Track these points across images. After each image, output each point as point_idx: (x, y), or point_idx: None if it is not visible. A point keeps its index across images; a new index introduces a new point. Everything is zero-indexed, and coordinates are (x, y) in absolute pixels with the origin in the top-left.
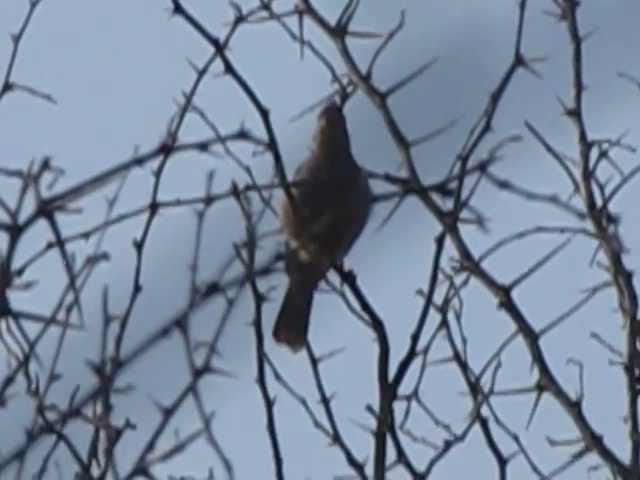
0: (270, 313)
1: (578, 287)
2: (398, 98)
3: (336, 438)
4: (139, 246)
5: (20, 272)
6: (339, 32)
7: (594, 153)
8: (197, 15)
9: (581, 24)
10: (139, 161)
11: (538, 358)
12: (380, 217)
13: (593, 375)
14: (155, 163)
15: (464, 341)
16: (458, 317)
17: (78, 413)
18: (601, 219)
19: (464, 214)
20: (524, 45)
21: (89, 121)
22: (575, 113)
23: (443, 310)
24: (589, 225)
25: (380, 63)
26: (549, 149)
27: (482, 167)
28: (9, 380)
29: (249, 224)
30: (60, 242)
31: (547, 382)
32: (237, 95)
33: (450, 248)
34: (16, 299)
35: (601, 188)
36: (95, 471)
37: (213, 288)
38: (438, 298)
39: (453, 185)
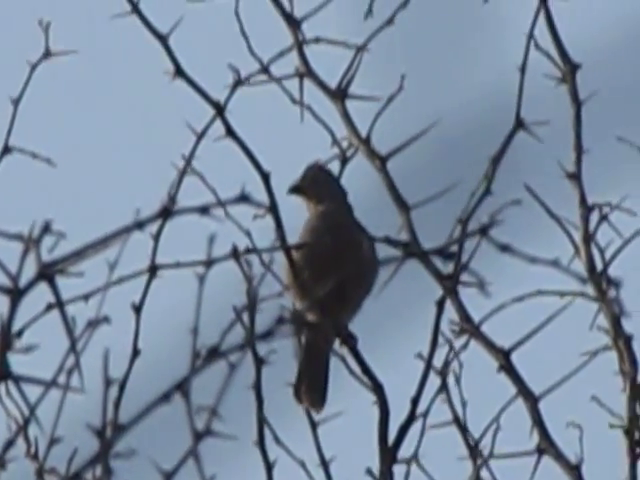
0: (270, 376)
1: (578, 350)
2: (398, 161)
3: None
4: (138, 309)
5: (20, 333)
6: (339, 95)
7: (594, 216)
8: (197, 78)
9: (581, 87)
10: (140, 225)
11: (538, 421)
12: (380, 280)
13: (593, 438)
14: (155, 226)
15: (464, 404)
16: (458, 380)
17: (78, 477)
18: (601, 283)
19: (464, 277)
20: (524, 108)
21: (89, 185)
22: (575, 176)
23: (443, 373)
24: (589, 289)
25: (380, 126)
26: (550, 213)
27: (483, 230)
28: (9, 443)
29: (250, 287)
30: (60, 305)
31: (547, 445)
32: (237, 158)
33: (450, 311)
34: (17, 362)
35: (601, 252)
36: None
37: (214, 352)
38: (438, 361)
39: (453, 249)
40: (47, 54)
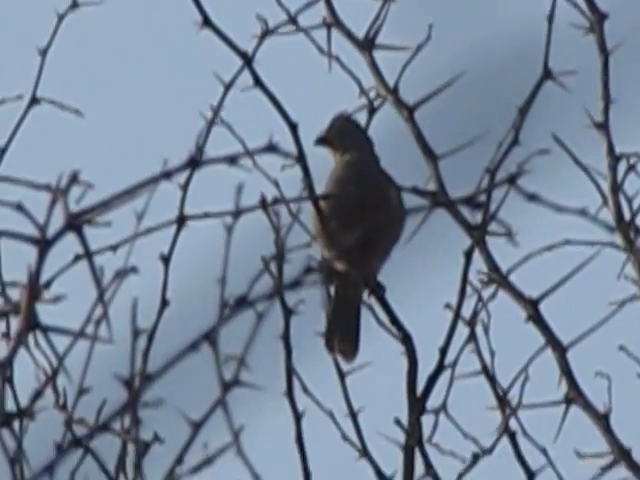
0: (298, 326)
1: (606, 300)
2: (426, 111)
3: (364, 452)
4: (166, 260)
5: (48, 285)
6: (367, 45)
7: (622, 166)
8: (225, 29)
9: (609, 37)
10: (167, 175)
11: (566, 371)
12: (408, 230)
13: (621, 388)
14: (183, 177)
15: (492, 354)
16: (486, 330)
17: (106, 427)
18: (629, 232)
19: (492, 227)
20: (552, 58)
21: (117, 135)
22: (603, 126)
23: (471, 323)
24: (617, 238)
25: (408, 76)
26: (577, 162)
27: (511, 180)
28: (37, 394)
29: (278, 237)
30: (89, 255)
31: (575, 395)
32: (265, 108)
33: (478, 261)
34: (45, 313)
35: (629, 201)
36: None
37: (242, 301)
38: (466, 311)
39: (481, 198)
40: (75, 4)
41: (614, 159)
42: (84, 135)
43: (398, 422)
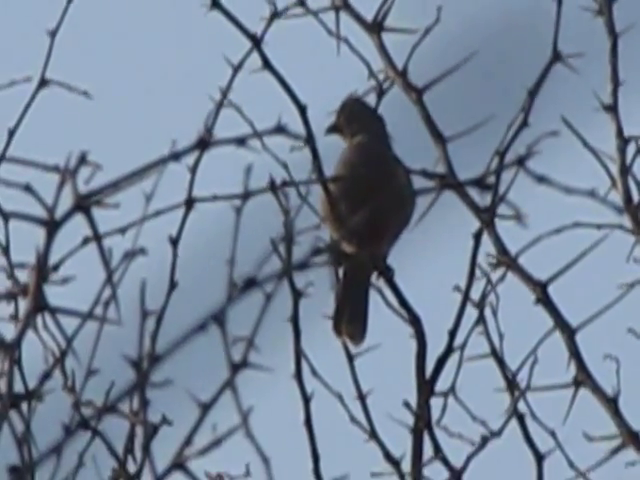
0: (307, 309)
1: (615, 283)
2: (435, 94)
3: (373, 434)
4: (175, 242)
5: (57, 267)
6: (375, 28)
7: (631, 149)
8: (234, 10)
9: (618, 19)
10: (176, 156)
11: (575, 354)
12: (417, 212)
13: (630, 371)
14: (192, 158)
15: (501, 337)
16: (495, 313)
17: (114, 409)
18: (638, 215)
19: (501, 209)
20: (561, 41)
21: (126, 116)
22: (612, 108)
23: (480, 306)
24: (626, 221)
25: (417, 59)
26: (586, 144)
27: (520, 162)
28: (46, 375)
29: (286, 219)
30: (97, 237)
31: (584, 378)
32: (274, 91)
33: (487, 243)
34: (53, 294)
35: (638, 184)
36: (132, 467)
37: (251, 283)
38: (475, 294)
39: (490, 180)
40: None
41: (623, 141)
42: (93, 116)
43: (407, 404)
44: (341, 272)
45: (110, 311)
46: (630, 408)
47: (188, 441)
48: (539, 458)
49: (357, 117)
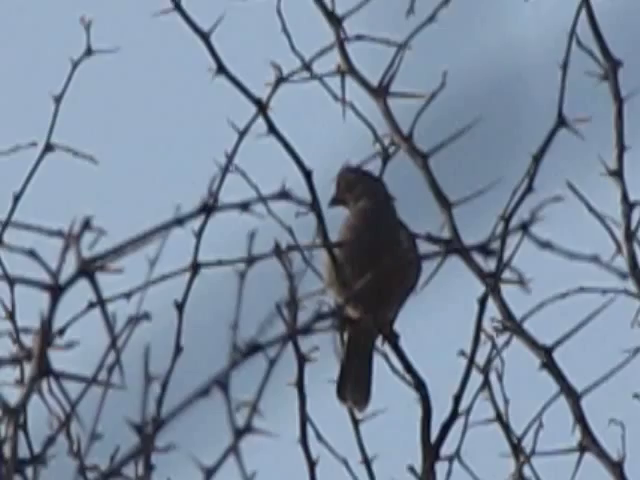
0: (312, 373)
1: (620, 347)
2: (440, 159)
3: None
4: (180, 307)
5: (62, 332)
6: (381, 92)
7: (636, 214)
8: (239, 76)
9: (623, 84)
10: (180, 221)
11: (580, 418)
12: (423, 277)
13: (635, 436)
14: (196, 223)
15: (506, 402)
16: (500, 378)
17: (119, 473)
18: None
19: (506, 274)
20: (566, 106)
21: (130, 181)
22: (617, 174)
23: (485, 371)
24: (631, 285)
25: (422, 123)
26: (591, 209)
27: (524, 227)
28: (50, 440)
29: (291, 284)
30: (101, 302)
31: (589, 442)
32: (279, 156)
33: (492, 308)
34: (57, 359)
35: None
36: None
37: (254, 347)
38: (480, 359)
39: (495, 245)
40: (89, 51)
41: (628, 206)
42: (97, 182)
43: (412, 469)
44: (345, 337)
45: (114, 376)
46: (635, 473)
47: None
48: None
49: (355, 184)
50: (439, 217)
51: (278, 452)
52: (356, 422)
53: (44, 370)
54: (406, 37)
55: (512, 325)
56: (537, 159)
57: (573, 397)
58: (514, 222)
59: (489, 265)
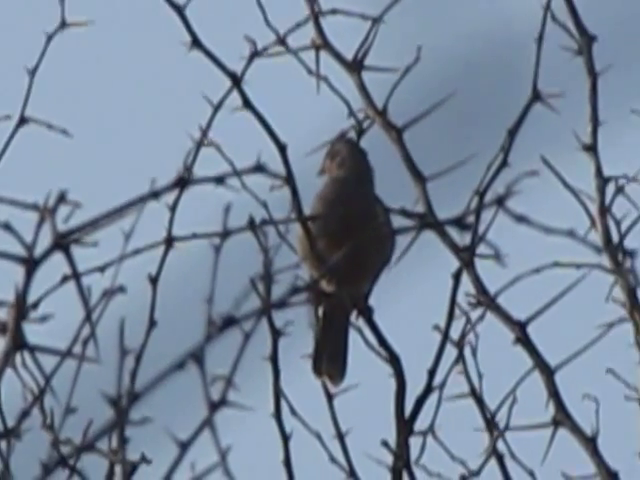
0: (286, 347)
1: (594, 322)
2: (414, 133)
3: (352, 473)
4: (154, 281)
5: (36, 305)
6: (355, 67)
7: (610, 189)
8: (214, 49)
9: (597, 59)
10: (155, 194)
11: (554, 393)
12: (397, 252)
13: (609, 410)
14: (171, 197)
15: (480, 376)
16: (474, 352)
17: (93, 447)
18: (617, 254)
19: (481, 249)
20: (541, 80)
21: (105, 154)
22: (591, 148)
23: (459, 345)
24: (605, 260)
25: (396, 97)
26: (566, 184)
27: (499, 201)
28: (24, 414)
29: (266, 258)
30: (76, 275)
31: (563, 417)
32: (254, 129)
33: (467, 283)
34: (32, 332)
35: (617, 224)
36: None
37: (229, 321)
38: (455, 333)
39: (470, 220)
40: (63, 24)
41: (602, 181)
42: (72, 155)
43: (386, 444)
44: (320, 311)
45: (89, 349)
46: (609, 448)
47: (167, 479)
48: None
49: (337, 153)
50: (413, 191)
51: (252, 426)
52: (330, 396)
53: (18, 343)
54: (381, 11)
55: (486, 300)
56: (512, 133)
57: (547, 372)
58: (489, 196)
59: (464, 240)
